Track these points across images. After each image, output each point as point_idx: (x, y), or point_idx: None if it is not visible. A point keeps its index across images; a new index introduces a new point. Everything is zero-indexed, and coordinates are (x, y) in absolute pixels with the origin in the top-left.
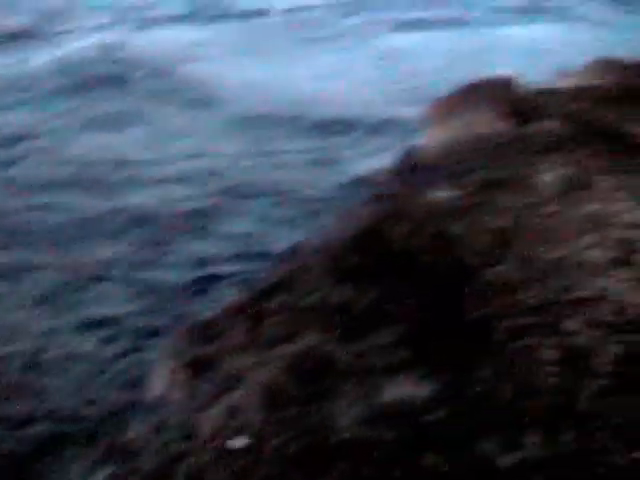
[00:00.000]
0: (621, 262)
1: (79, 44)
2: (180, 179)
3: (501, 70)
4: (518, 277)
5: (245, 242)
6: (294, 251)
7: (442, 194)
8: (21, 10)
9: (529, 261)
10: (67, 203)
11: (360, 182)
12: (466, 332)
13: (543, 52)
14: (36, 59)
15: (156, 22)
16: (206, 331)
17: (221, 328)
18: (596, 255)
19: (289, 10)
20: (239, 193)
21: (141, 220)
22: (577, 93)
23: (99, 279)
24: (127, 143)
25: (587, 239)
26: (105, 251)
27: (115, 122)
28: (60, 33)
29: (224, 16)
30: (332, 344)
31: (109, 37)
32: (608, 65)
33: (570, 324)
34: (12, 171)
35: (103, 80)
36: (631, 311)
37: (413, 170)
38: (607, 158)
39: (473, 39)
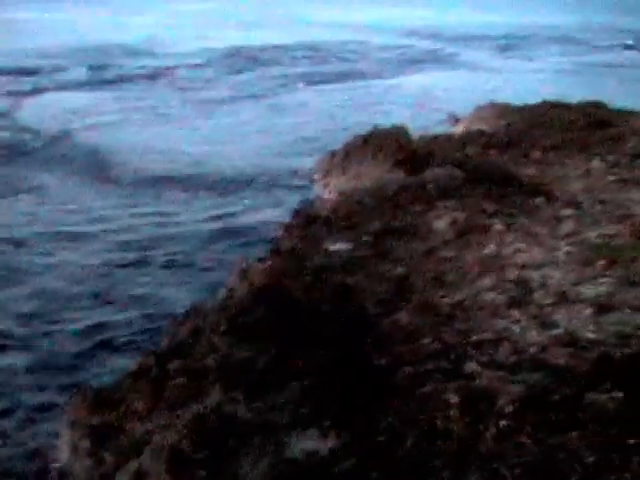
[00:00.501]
0: (518, 302)
1: None
2: (75, 245)
3: (394, 119)
4: (419, 323)
5: (142, 305)
6: (192, 312)
7: (340, 246)
8: None
9: (429, 307)
10: None
11: (258, 237)
12: (370, 381)
13: (433, 99)
14: None
15: (50, 87)
16: (107, 398)
17: (123, 394)
18: (494, 297)
19: (183, 70)
20: (135, 256)
21: (38, 290)
22: (467, 138)
23: None
24: (18, 211)
25: (484, 281)
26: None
27: (5, 190)
28: None
29: (119, 81)
30: (235, 403)
31: (0, 103)
32: (495, 110)
33: (471, 367)
34: None
35: None
36: (530, 350)
37: (310, 222)
38: (498, 201)
39: (366, 90)
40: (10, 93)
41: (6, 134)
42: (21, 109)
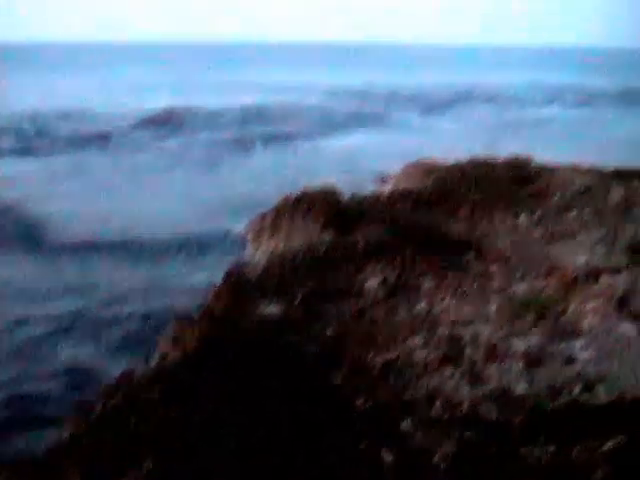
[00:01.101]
0: (450, 359)
1: None
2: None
3: (324, 179)
4: (352, 383)
5: (72, 374)
6: (124, 379)
7: (272, 309)
8: None
9: (361, 367)
10: None
11: (189, 301)
12: (302, 444)
13: (362, 158)
14: None
15: None
16: (35, 471)
17: (52, 466)
18: (426, 354)
19: (114, 135)
20: (58, 326)
21: None
22: (395, 198)
23: None
24: None
25: (416, 340)
26: None
27: None
28: None
29: (50, 148)
30: (170, 469)
31: None
32: (422, 168)
33: (405, 425)
34: None
35: None
36: (463, 407)
37: (242, 285)
38: (428, 259)
39: (295, 151)
40: None
41: None
42: None
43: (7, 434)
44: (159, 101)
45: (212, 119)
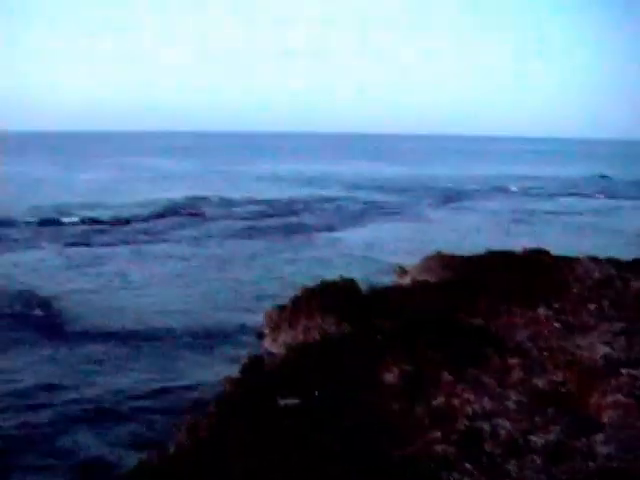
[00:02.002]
0: (469, 454)
1: None
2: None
3: (341, 271)
4: (370, 477)
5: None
6: (139, 471)
7: (289, 401)
8: None
9: (379, 460)
10: None
11: (206, 392)
12: None
13: (380, 250)
14: None
15: None
16: None
17: None
18: (445, 448)
19: (134, 225)
20: (84, 415)
21: None
22: (414, 289)
23: None
24: None
25: (435, 433)
26: None
27: None
28: None
29: (68, 236)
30: None
31: None
32: (441, 260)
33: None
34: None
35: None
36: None
37: (259, 376)
38: (447, 351)
39: (312, 243)
40: None
41: None
42: None
43: None
44: (176, 190)
45: (228, 208)
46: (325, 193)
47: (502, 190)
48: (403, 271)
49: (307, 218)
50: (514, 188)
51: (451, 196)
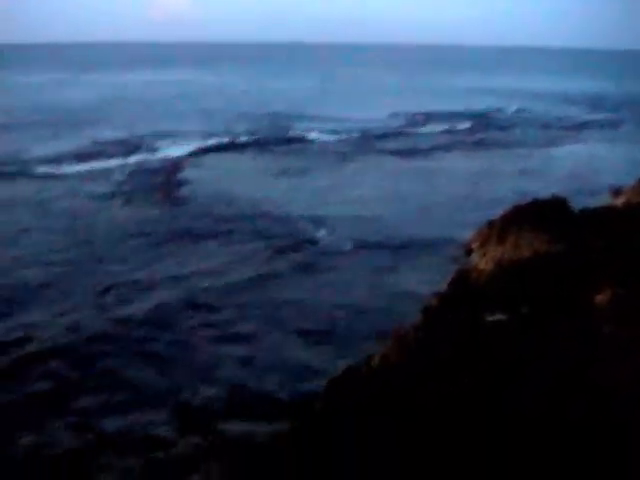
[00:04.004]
0: None
1: None
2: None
3: (553, 189)
4: (580, 398)
5: (296, 366)
6: (347, 375)
7: (496, 317)
8: None
9: (588, 383)
10: None
11: (413, 303)
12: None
13: (593, 169)
14: None
15: (221, 147)
16: (253, 456)
17: (271, 453)
18: None
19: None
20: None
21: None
22: (629, 212)
23: None
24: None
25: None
26: None
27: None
28: None
29: (282, 143)
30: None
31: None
32: None
33: None
34: None
35: None
36: None
37: (467, 291)
38: None
39: (524, 158)
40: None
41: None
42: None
43: (230, 421)
44: (410, 102)
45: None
46: (540, 108)
47: None
48: (617, 192)
49: (520, 132)
50: None
51: None
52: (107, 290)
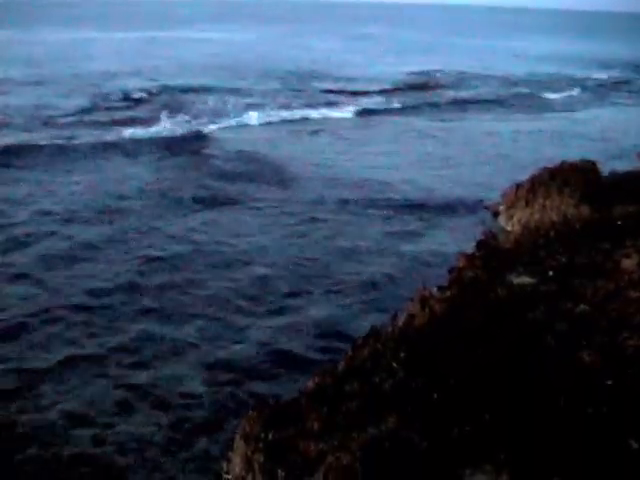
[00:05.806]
0: None
1: None
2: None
3: (582, 153)
4: (601, 364)
5: (322, 326)
6: (371, 335)
7: (523, 280)
8: None
9: (612, 348)
10: None
11: (438, 264)
12: (544, 424)
13: (623, 134)
14: None
15: (246, 106)
16: (282, 414)
17: (297, 412)
18: None
19: (370, 97)
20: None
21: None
22: None
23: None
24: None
25: None
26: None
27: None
28: None
29: (315, 104)
30: (410, 432)
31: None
32: None
33: None
34: None
35: None
36: None
37: (493, 254)
38: None
39: (554, 123)
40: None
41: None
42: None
43: (264, 377)
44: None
45: (478, 79)
46: (568, 72)
47: None
48: None
49: (549, 96)
50: None
51: None
52: None
